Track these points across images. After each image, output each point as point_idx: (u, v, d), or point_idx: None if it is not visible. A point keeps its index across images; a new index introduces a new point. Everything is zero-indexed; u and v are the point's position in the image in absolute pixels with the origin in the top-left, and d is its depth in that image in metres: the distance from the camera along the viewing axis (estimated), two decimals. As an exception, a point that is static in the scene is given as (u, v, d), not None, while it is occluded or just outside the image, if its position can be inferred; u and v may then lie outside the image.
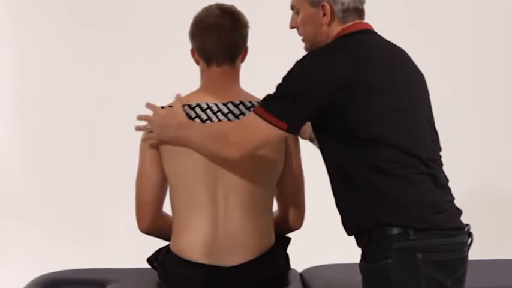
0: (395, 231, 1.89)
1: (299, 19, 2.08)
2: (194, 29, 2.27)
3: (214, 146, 2.08)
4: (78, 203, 4.20)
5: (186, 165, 2.19)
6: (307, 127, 2.31)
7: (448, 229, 1.93)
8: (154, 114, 2.23)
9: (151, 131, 2.22)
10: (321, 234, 3.55)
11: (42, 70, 4.23)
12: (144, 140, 2.27)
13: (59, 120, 4.21)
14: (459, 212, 2.02)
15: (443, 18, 4.27)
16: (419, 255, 1.88)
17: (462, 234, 1.97)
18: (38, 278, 2.58)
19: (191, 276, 2.20)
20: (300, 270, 2.66)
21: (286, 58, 2.12)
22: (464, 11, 4.27)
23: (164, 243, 2.37)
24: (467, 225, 2.01)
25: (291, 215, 2.39)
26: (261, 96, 2.09)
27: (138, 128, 2.26)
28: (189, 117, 2.20)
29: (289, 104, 1.93)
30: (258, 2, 3.43)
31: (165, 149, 2.22)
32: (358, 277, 2.03)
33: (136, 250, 2.91)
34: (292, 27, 2.12)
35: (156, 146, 2.25)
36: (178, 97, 2.24)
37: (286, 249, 2.38)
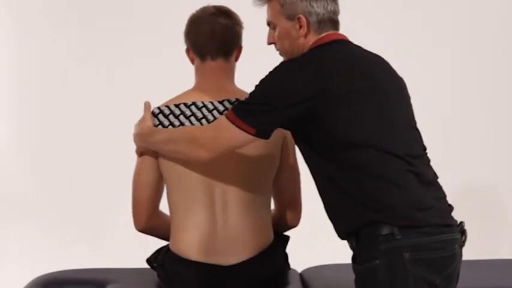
0: (382, 231, 1.90)
1: (276, 34, 2.11)
2: (189, 26, 2.30)
3: (183, 149, 2.11)
4: (78, 203, 4.19)
5: (183, 164, 2.19)
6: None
7: (435, 226, 1.93)
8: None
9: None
10: (321, 234, 3.53)
11: (42, 70, 4.22)
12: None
13: (59, 120, 4.21)
14: (450, 208, 2.02)
15: (443, 18, 4.27)
16: (407, 255, 1.88)
17: (452, 231, 1.96)
18: (38, 278, 2.58)
19: (191, 275, 2.21)
20: (299, 270, 2.66)
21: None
22: (464, 11, 4.27)
23: (163, 242, 2.37)
24: (461, 222, 2.00)
25: (288, 212, 2.40)
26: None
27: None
28: (185, 115, 2.22)
29: (259, 110, 1.97)
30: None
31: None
32: (358, 277, 2.03)
33: (136, 250, 2.91)
34: (270, 43, 2.16)
35: None
36: (147, 105, 2.27)
37: (285, 248, 2.39)
